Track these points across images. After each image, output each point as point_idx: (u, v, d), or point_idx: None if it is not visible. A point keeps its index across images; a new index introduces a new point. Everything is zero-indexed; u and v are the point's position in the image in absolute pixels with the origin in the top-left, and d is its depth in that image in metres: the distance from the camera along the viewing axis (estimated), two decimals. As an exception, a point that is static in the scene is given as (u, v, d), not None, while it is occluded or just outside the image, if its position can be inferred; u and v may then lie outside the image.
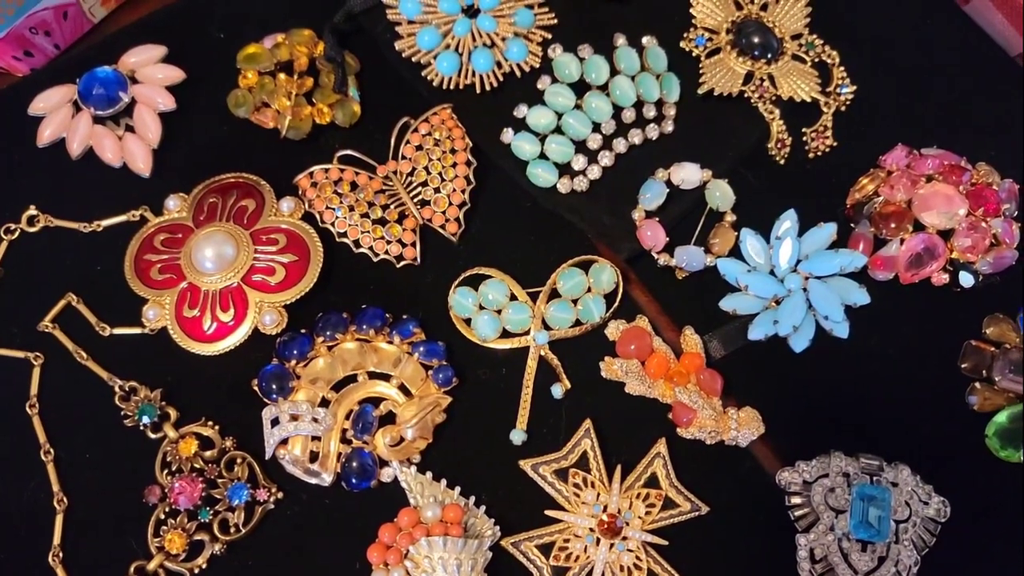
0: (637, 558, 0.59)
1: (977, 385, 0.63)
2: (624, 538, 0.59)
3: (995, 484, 0.62)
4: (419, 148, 0.69)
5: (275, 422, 0.61)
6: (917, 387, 0.65)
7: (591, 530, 0.59)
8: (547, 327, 0.65)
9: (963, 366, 0.64)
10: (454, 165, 0.68)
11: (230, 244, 0.65)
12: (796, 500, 0.61)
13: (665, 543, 0.60)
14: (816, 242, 0.65)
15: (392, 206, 0.68)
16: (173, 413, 0.63)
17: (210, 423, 0.63)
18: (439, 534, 0.57)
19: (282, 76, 0.70)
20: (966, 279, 0.65)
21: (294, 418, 0.61)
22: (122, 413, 0.63)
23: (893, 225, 0.65)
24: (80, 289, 0.67)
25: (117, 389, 0.63)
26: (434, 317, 0.66)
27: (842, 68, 0.72)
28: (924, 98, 0.73)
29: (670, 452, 0.62)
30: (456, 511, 0.58)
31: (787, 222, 0.66)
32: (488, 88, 0.71)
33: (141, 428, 0.62)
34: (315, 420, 0.61)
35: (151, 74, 0.72)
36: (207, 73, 0.73)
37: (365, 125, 0.72)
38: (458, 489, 0.61)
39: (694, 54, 0.72)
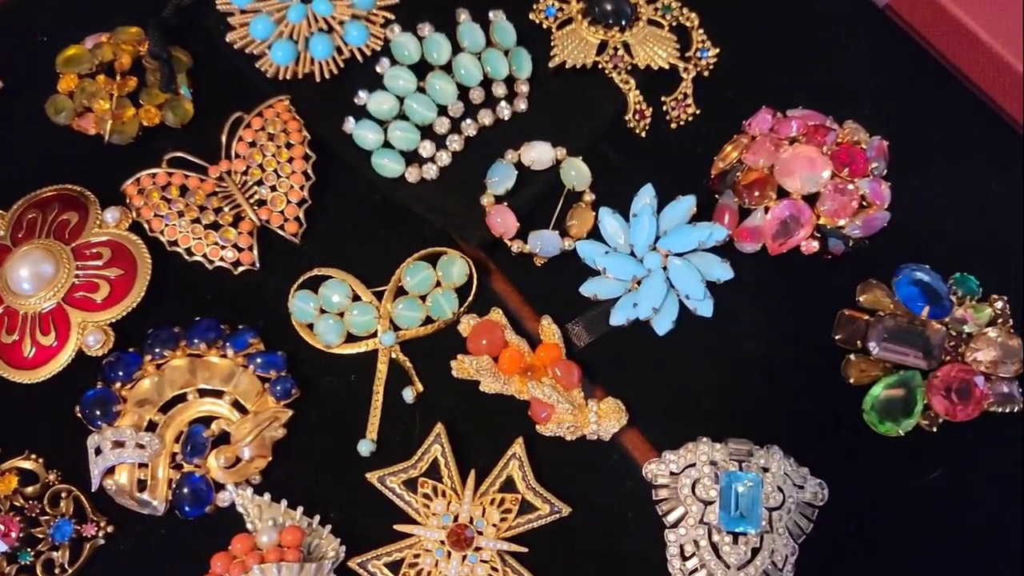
0: (492, 568, 0.55)
1: (851, 357, 0.60)
2: (477, 548, 0.55)
3: (876, 462, 0.59)
4: (252, 144, 0.64)
5: (99, 451, 0.57)
6: (791, 363, 0.61)
7: (441, 543, 0.55)
8: (396, 327, 0.61)
9: (837, 337, 0.60)
10: (290, 160, 0.64)
11: (48, 262, 0.61)
12: (663, 493, 0.57)
13: (524, 550, 0.56)
14: (675, 217, 0.61)
15: (227, 208, 0.63)
16: (-8, 449, 0.59)
17: (34, 456, 0.58)
18: (274, 560, 0.53)
19: (101, 78, 0.65)
20: (835, 245, 0.61)
21: (118, 444, 0.56)
22: (-66, 453, 0.58)
23: (756, 193, 0.61)
24: None
25: (-71, 427, 0.59)
26: (278, 325, 0.62)
27: (701, 31, 0.68)
28: (791, 57, 0.69)
29: (533, 451, 0.58)
30: (294, 534, 0.54)
31: (644, 198, 0.62)
32: (328, 76, 0.67)
33: (-43, 468, 0.58)
34: (140, 446, 0.56)
35: (-35, 85, 0.67)
36: (28, 80, 0.68)
37: (200, 124, 0.67)
38: (300, 509, 0.57)
39: (545, 26, 0.68)
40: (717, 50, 0.68)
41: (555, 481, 0.58)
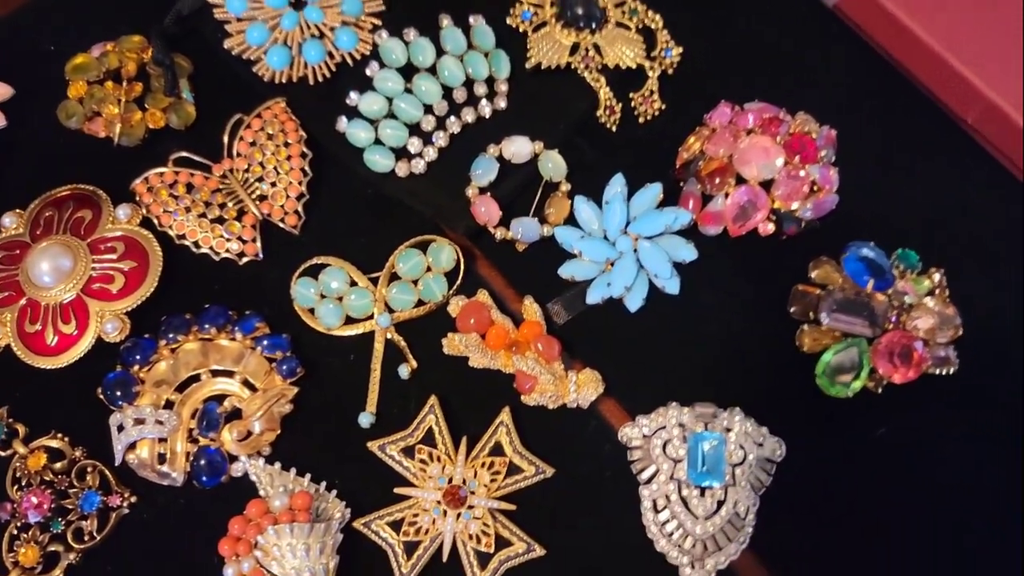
0: (485, 525, 0.60)
1: (805, 327, 0.66)
2: (470, 507, 0.61)
3: (828, 421, 0.65)
4: (253, 144, 0.69)
5: (121, 428, 0.62)
6: (751, 334, 0.67)
7: (438, 503, 0.61)
8: (390, 309, 0.67)
9: (791, 310, 0.66)
10: (288, 158, 0.69)
11: (67, 256, 0.65)
12: (637, 454, 0.63)
13: (512, 508, 0.61)
14: (644, 203, 0.67)
15: (230, 204, 0.68)
16: (22, 429, 0.63)
17: (60, 435, 0.63)
18: (286, 522, 0.58)
19: (109, 84, 0.70)
20: (789, 226, 0.67)
21: (139, 422, 0.61)
22: (-32, 434, 0.63)
23: (717, 180, 0.67)
24: (-79, 314, 0.67)
25: (-38, 411, 0.64)
26: (281, 310, 0.67)
27: (666, 32, 0.74)
28: (750, 54, 0.75)
29: (518, 420, 0.64)
30: (304, 498, 0.60)
31: (616, 186, 0.67)
32: (321, 79, 0.72)
33: (-11, 447, 0.63)
34: (159, 422, 0.61)
35: (-21, 92, 0.72)
36: (38, 87, 0.72)
37: (202, 126, 0.72)
38: (308, 476, 0.62)
39: (521, 29, 0.73)
40: (680, 50, 0.74)
41: (539, 445, 0.63)
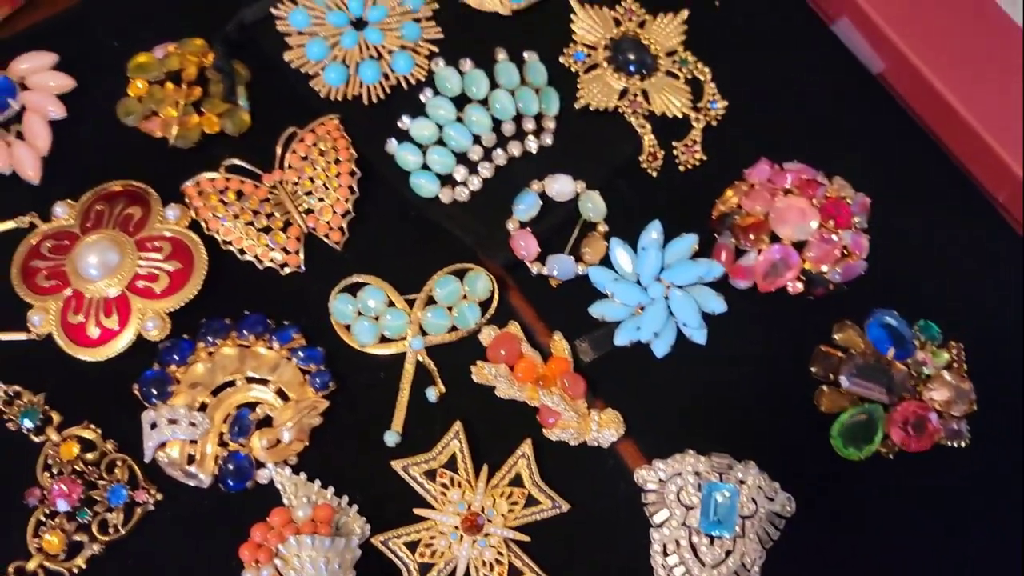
0: (499, 553, 0.62)
1: (824, 388, 0.67)
2: (487, 535, 0.62)
3: (839, 481, 0.66)
4: (304, 158, 0.71)
5: (154, 425, 0.63)
6: (771, 389, 0.69)
7: (455, 527, 0.62)
8: (424, 333, 0.68)
9: (813, 370, 0.68)
10: (338, 175, 0.71)
11: (114, 251, 0.67)
12: (651, 497, 0.64)
13: (527, 539, 0.63)
14: (678, 252, 0.69)
15: (277, 215, 0.70)
16: (56, 417, 0.65)
17: (92, 426, 0.65)
18: (308, 533, 0.60)
19: (169, 85, 0.72)
20: (817, 287, 0.69)
21: (172, 422, 0.63)
22: (4, 417, 0.64)
23: (752, 236, 0.69)
24: (-34, 295, 0.68)
25: (0, 394, 0.65)
26: (318, 323, 0.69)
27: (713, 85, 0.76)
28: (793, 114, 0.77)
29: (539, 453, 0.65)
30: (326, 511, 0.61)
31: (652, 233, 0.69)
32: (375, 100, 0.73)
33: (24, 432, 0.64)
34: (192, 424, 0.63)
35: (42, 81, 0.73)
36: (99, 81, 0.74)
37: (255, 134, 0.73)
38: (332, 489, 0.64)
39: (573, 69, 0.75)
40: (726, 103, 0.75)
41: (557, 480, 0.65)
